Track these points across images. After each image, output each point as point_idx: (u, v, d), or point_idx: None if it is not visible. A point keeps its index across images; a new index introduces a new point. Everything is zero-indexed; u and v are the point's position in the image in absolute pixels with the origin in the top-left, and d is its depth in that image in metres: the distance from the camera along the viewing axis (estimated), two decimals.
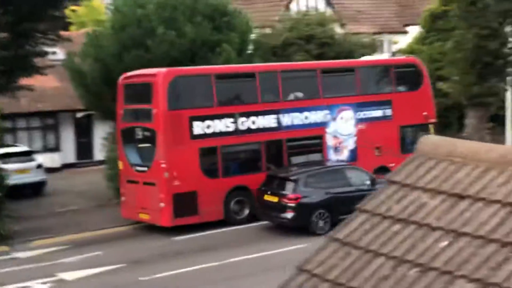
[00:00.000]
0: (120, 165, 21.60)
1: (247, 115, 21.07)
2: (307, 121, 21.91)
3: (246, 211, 20.73)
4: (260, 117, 21.25)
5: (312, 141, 22.12)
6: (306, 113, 21.93)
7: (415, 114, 23.59)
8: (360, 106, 22.81)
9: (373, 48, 30.03)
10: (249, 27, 26.17)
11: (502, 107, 26.87)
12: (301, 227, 19.11)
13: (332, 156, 22.28)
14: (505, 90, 21.45)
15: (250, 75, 21.58)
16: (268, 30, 29.27)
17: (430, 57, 34.44)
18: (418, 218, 4.62)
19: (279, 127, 21.55)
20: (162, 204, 19.88)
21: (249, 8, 31.20)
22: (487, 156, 4.75)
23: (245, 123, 20.98)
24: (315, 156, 22.08)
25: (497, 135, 27.97)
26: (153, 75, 20.39)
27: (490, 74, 19.37)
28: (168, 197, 19.81)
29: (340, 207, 18.31)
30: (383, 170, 20.84)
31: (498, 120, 29.62)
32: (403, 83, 24.44)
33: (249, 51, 26.41)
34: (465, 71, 19.34)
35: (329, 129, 22.20)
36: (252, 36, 27.13)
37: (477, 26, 18.66)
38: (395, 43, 38.86)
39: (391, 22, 43.71)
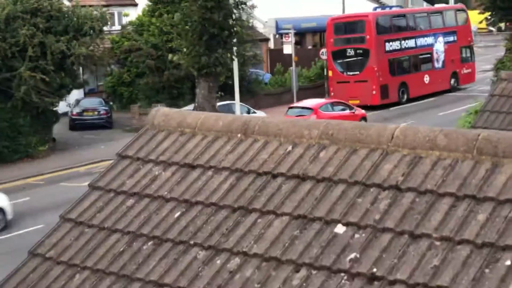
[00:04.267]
0: (330, 73, 37.20)
1: (404, 39, 37.66)
2: (425, 43, 39.16)
3: (405, 96, 37.50)
4: (409, 41, 37.99)
5: (428, 55, 39.35)
6: (426, 38, 39.11)
7: (465, 39, 41.52)
8: (444, 34, 40.25)
9: (103, 21, 29.58)
10: None
11: (231, 77, 28.08)
12: None
13: (435, 64, 39.83)
14: (232, 60, 22.36)
15: (403, 15, 39.65)
16: None
17: (161, 30, 34.87)
18: (151, 191, 4.63)
19: (416, 47, 38.52)
20: (374, 92, 35.40)
21: None
22: (215, 125, 4.88)
23: (404, 44, 37.37)
24: (428, 65, 39.38)
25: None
26: (365, 15, 37.30)
27: (217, 45, 20.06)
28: (378, 87, 35.74)
29: None
30: (454, 73, 40.59)
31: (227, 89, 30.92)
32: (459, 20, 41.83)
33: None
34: (193, 42, 19.82)
35: (434, 48, 39.58)
36: None
37: None
38: (126, 15, 38.72)
39: None
